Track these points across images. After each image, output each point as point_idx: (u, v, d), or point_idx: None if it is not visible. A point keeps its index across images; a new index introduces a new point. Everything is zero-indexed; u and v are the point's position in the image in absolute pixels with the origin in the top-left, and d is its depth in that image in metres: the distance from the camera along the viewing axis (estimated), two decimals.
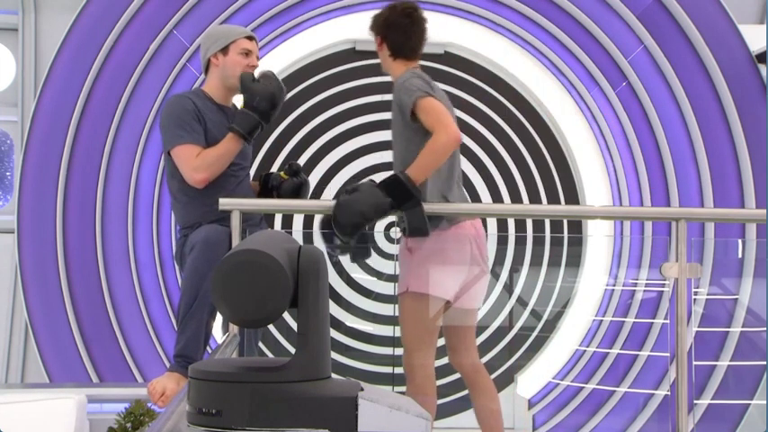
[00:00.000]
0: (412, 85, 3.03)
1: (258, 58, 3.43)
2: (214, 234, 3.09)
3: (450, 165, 3.17)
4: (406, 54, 3.23)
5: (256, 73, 3.28)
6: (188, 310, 3.09)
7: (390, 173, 3.04)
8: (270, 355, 4.81)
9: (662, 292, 5.22)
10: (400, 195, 2.93)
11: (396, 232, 5.58)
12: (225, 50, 3.33)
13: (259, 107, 3.16)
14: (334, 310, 5.32)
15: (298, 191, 3.48)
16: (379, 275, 5.46)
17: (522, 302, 5.57)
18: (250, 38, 3.38)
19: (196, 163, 3.19)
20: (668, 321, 4.60)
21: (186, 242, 3.23)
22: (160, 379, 3.11)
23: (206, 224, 3.19)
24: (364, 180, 3.16)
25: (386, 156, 5.58)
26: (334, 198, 3.04)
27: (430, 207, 3.05)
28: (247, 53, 3.34)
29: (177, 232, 3.60)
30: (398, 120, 3.14)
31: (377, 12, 3.31)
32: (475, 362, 3.38)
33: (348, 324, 5.40)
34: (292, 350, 1.16)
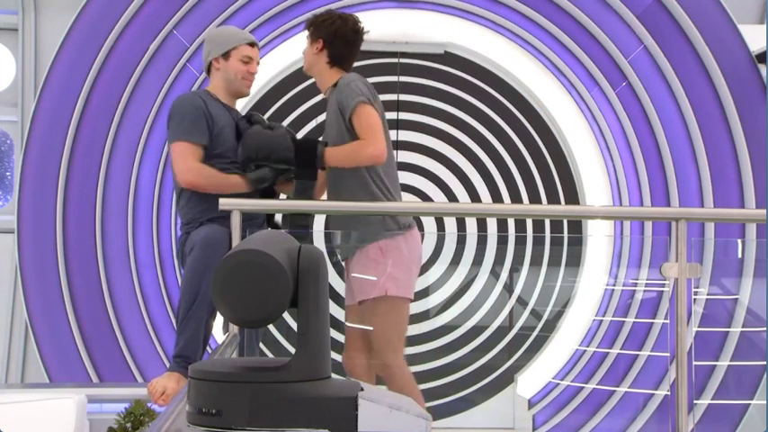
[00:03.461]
0: (357, 88, 3.12)
1: (258, 63, 3.44)
2: (214, 234, 3.10)
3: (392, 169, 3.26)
4: (344, 65, 3.31)
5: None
6: (188, 311, 3.09)
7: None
8: (270, 355, 4.81)
9: (662, 292, 5.22)
10: (305, 161, 3.08)
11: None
12: (226, 55, 3.36)
13: (276, 167, 3.17)
14: (334, 310, 5.32)
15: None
16: None
17: (522, 302, 5.57)
18: (252, 44, 3.40)
19: (195, 167, 3.20)
20: (668, 321, 4.60)
21: (187, 240, 3.24)
22: (160, 379, 3.12)
23: (206, 222, 3.20)
24: (282, 124, 3.26)
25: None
26: (246, 119, 3.22)
27: (435, 206, 3.09)
28: (248, 60, 3.36)
29: (178, 229, 3.60)
30: (335, 117, 3.21)
31: (320, 14, 3.33)
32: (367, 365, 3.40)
33: (348, 324, 5.40)
34: (292, 350, 1.16)
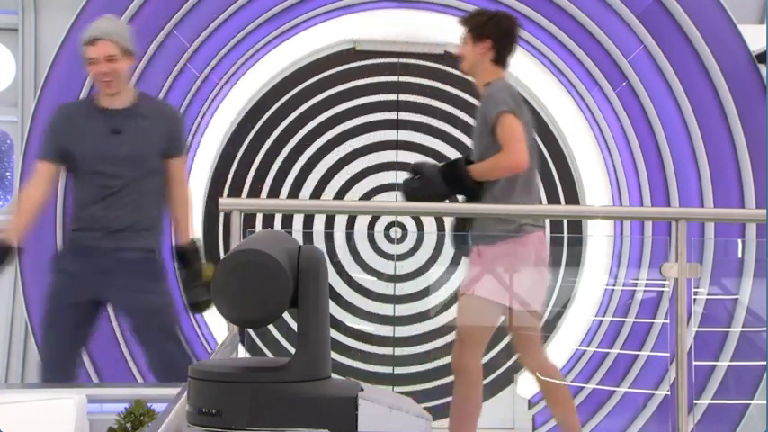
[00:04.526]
0: (501, 99, 3.22)
1: (127, 53, 3.32)
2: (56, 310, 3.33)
3: (526, 181, 3.31)
4: (506, 62, 3.39)
5: None
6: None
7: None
8: (270, 355, 4.81)
9: (662, 292, 5.22)
10: (457, 186, 3.25)
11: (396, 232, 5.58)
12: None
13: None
14: (334, 310, 5.32)
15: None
16: (378, 275, 5.46)
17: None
18: (92, 41, 3.26)
19: (20, 194, 3.35)
20: (668, 321, 4.60)
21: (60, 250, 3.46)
22: None
23: (57, 264, 3.42)
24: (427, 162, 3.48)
25: (386, 155, 5.58)
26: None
27: (434, 206, 3.18)
28: (91, 62, 3.25)
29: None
30: (481, 121, 3.31)
31: (481, 13, 3.41)
32: (542, 363, 3.44)
33: (348, 324, 5.40)
34: (292, 350, 1.16)
